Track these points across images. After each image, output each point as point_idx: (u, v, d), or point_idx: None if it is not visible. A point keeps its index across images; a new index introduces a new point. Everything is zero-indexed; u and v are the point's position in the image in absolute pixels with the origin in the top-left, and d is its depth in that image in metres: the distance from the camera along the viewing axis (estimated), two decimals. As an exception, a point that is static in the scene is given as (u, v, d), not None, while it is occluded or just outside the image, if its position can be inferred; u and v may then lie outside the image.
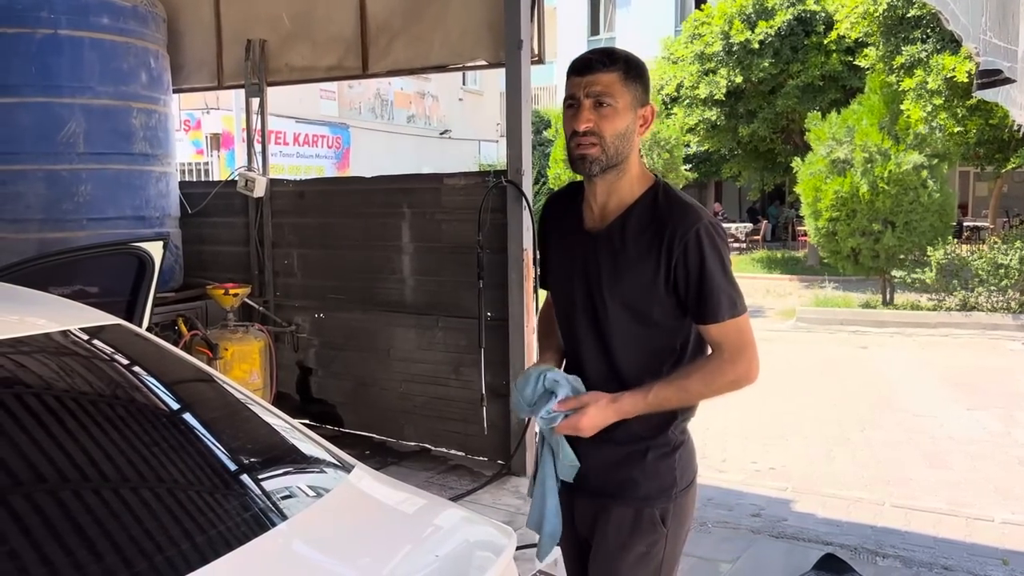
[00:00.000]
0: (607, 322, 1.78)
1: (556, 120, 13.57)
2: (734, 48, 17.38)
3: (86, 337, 1.82)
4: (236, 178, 5.57)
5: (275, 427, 1.74)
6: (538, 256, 2.21)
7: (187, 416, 1.70)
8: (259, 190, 5.44)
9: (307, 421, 5.61)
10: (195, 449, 1.57)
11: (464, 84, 22.84)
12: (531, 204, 4.61)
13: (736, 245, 22.80)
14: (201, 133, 16.60)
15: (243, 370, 4.92)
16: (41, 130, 4.65)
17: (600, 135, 1.72)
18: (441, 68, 5.00)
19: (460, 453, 5.07)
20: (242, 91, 5.64)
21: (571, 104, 1.76)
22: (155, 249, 3.15)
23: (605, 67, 1.72)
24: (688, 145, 19.36)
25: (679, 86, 18.52)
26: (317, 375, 5.64)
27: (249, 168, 5.64)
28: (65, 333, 1.78)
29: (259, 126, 5.64)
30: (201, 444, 1.58)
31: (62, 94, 4.71)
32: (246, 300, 5.30)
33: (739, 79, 17.37)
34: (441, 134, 22.02)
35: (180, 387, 1.82)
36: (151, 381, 1.78)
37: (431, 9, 4.88)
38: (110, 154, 4.88)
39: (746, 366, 1.74)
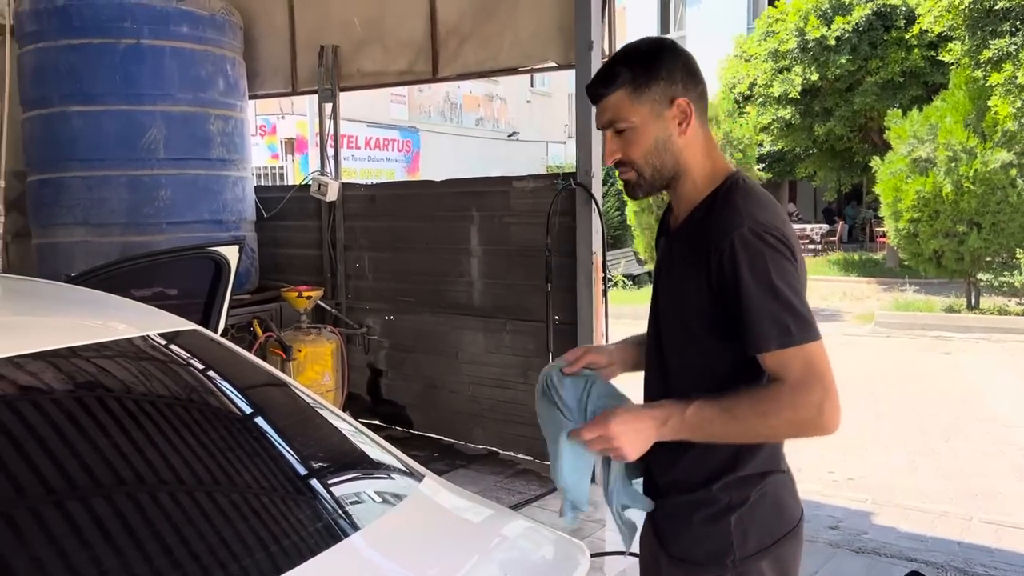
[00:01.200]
0: (664, 335, 1.58)
1: (625, 121, 13.45)
2: (809, 45, 16.93)
3: (164, 342, 1.85)
4: (310, 182, 5.67)
5: (347, 434, 1.74)
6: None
7: (260, 422, 1.71)
8: (332, 194, 5.52)
9: (377, 422, 5.66)
10: (268, 456, 1.57)
11: (532, 86, 22.83)
12: (600, 206, 4.55)
13: (811, 247, 22.22)
14: (276, 138, 16.99)
15: (316, 371, 4.99)
16: (124, 137, 4.80)
17: (630, 161, 1.55)
18: (511, 71, 4.98)
19: (528, 457, 5.05)
20: (315, 96, 5.73)
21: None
22: (231, 253, 3.21)
23: (607, 89, 1.54)
24: (761, 144, 18.94)
25: (752, 84, 18.14)
26: (387, 377, 5.69)
27: (322, 172, 5.73)
28: (144, 338, 1.81)
29: (332, 131, 5.72)
30: (274, 451, 1.58)
31: (143, 102, 4.86)
32: (319, 302, 5.38)
33: (815, 76, 16.91)
34: (509, 136, 22.06)
35: (254, 393, 1.83)
36: (226, 386, 1.80)
37: (501, 11, 4.87)
38: (189, 159, 5.02)
39: (813, 402, 1.39)
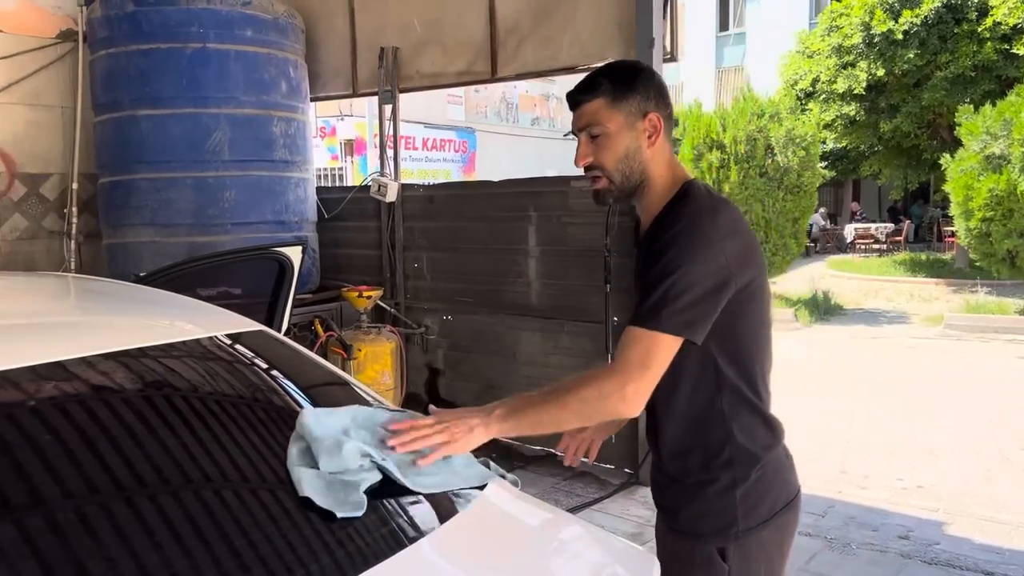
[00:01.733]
0: None
1: (683, 118, 13.25)
2: (875, 39, 16.48)
3: (231, 343, 1.87)
4: (369, 184, 5.71)
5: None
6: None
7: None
8: (391, 195, 5.55)
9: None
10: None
11: (589, 85, 22.70)
12: (662, 206, 4.47)
13: (876, 247, 21.66)
14: (336, 139, 17.24)
15: (375, 370, 5.02)
16: (190, 139, 4.90)
17: (601, 167, 1.68)
18: (570, 70, 4.94)
19: (586, 459, 4.98)
20: (374, 98, 5.77)
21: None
22: (295, 253, 3.25)
23: (588, 96, 1.67)
24: (824, 142, 18.53)
25: (815, 81, 17.76)
26: (445, 376, 5.70)
27: (382, 173, 5.77)
28: (212, 338, 1.83)
29: (391, 132, 5.76)
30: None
31: (209, 104, 4.95)
32: (378, 302, 5.42)
33: (881, 72, 16.47)
34: (565, 136, 21.87)
35: (319, 393, 1.84)
36: (291, 387, 1.81)
37: (560, 10, 4.84)
38: (252, 161, 5.10)
39: (619, 383, 1.51)
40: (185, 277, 3.26)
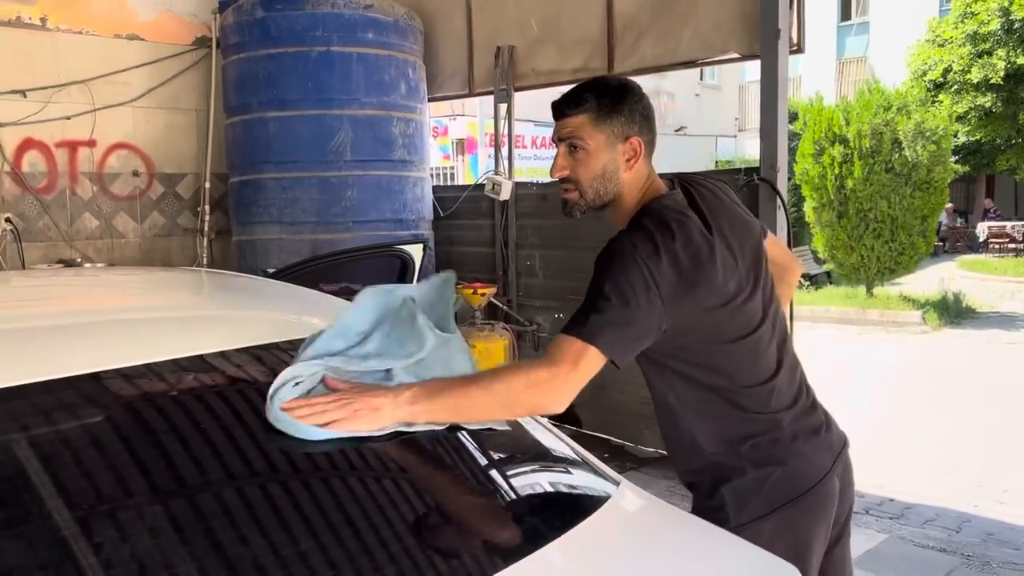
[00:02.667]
0: None
1: (803, 112, 12.77)
2: (1016, 26, 15.45)
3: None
4: (484, 182, 5.76)
5: (536, 436, 1.71)
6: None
7: (449, 430, 1.71)
8: (505, 193, 5.58)
9: (546, 420, 5.67)
10: (458, 458, 1.56)
11: (701, 79, 22.25)
12: (786, 203, 4.31)
13: (1012, 246, 20.32)
14: (448, 139, 17.50)
15: (488, 367, 5.06)
16: (315, 140, 5.07)
17: (576, 180, 1.71)
18: (690, 64, 4.83)
19: (702, 463, 4.88)
20: (485, 97, 5.81)
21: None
22: (416, 251, 3.31)
23: (573, 110, 1.69)
24: (956, 135, 17.52)
25: (946, 71, 16.81)
26: (557, 375, 5.68)
27: (496, 172, 5.81)
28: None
29: (506, 131, 5.78)
30: (464, 452, 1.57)
31: (332, 106, 5.10)
32: (491, 299, 5.46)
33: (1021, 60, 15.41)
34: (676, 131, 21.61)
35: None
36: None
37: (681, 2, 4.72)
38: (373, 161, 5.23)
39: (549, 375, 1.48)
40: (311, 273, 3.37)
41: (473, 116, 16.51)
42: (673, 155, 20.12)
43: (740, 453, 1.69)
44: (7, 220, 5.17)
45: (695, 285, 1.58)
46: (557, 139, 1.74)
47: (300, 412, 1.35)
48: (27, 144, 5.31)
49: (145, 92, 5.73)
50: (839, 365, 8.32)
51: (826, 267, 13.86)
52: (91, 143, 5.55)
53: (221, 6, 5.66)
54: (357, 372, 1.47)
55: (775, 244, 1.96)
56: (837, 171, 11.65)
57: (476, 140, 16.97)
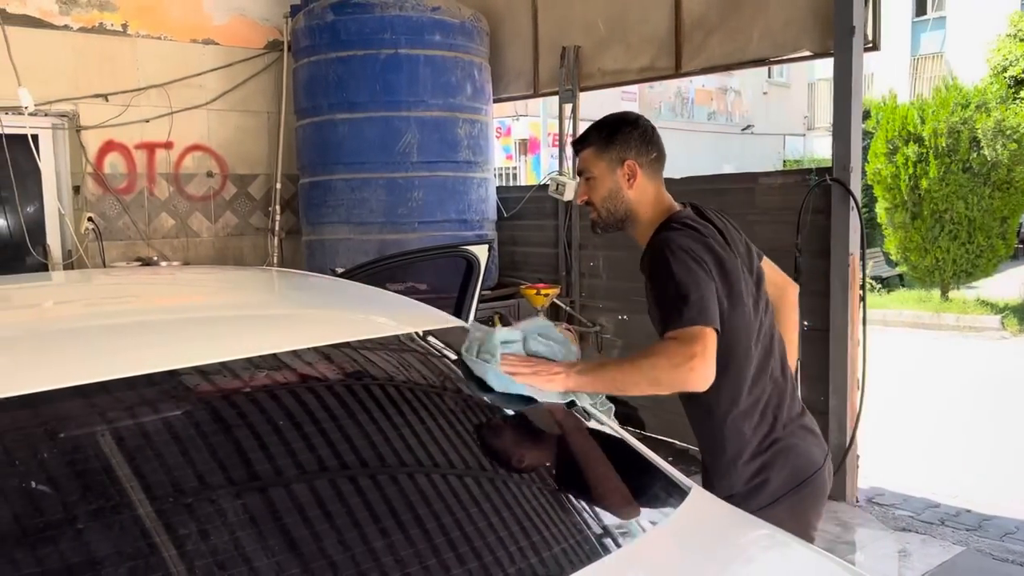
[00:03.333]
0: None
1: (876, 110, 12.39)
2: (1103, 17, 14.74)
3: (432, 339, 1.91)
4: (547, 182, 5.76)
5: (607, 440, 1.71)
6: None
7: (522, 426, 1.72)
8: (569, 194, 5.55)
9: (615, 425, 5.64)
10: (536, 461, 1.56)
11: (770, 77, 21.82)
12: (859, 204, 4.21)
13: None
14: (511, 139, 17.55)
15: (552, 368, 5.05)
16: (383, 142, 5.14)
17: (592, 203, 2.08)
18: (759, 62, 4.75)
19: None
20: (548, 98, 5.80)
21: None
22: (481, 252, 3.32)
23: (581, 147, 2.08)
24: (1038, 133, 16.80)
25: (1029, 65, 16.12)
26: (620, 377, 5.64)
27: (560, 172, 5.80)
28: (414, 335, 1.89)
29: (571, 131, 5.77)
30: (539, 456, 1.57)
31: (399, 108, 5.17)
32: (554, 300, 5.46)
33: (1109, 53, 14.71)
34: (743, 130, 21.24)
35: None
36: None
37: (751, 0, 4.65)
38: (438, 162, 5.28)
39: (686, 353, 1.74)
40: (379, 273, 3.42)
41: (536, 116, 16.52)
42: (739, 154, 19.82)
43: (748, 450, 1.92)
44: (89, 219, 5.38)
45: (725, 270, 1.88)
46: (578, 172, 2.11)
47: (507, 366, 1.74)
48: (108, 146, 5.52)
49: (219, 95, 5.89)
50: (914, 370, 8.07)
51: (898, 269, 13.43)
52: (168, 145, 5.73)
53: (293, 10, 5.78)
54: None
55: (771, 266, 2.23)
56: (911, 171, 11.28)
57: (539, 140, 16.97)
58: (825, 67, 4.40)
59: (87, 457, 1.25)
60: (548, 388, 1.75)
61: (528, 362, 1.79)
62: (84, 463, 1.23)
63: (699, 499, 1.49)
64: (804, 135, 22.44)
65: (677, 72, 5.13)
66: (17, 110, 4.98)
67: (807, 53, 4.47)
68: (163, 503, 1.19)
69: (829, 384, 4.32)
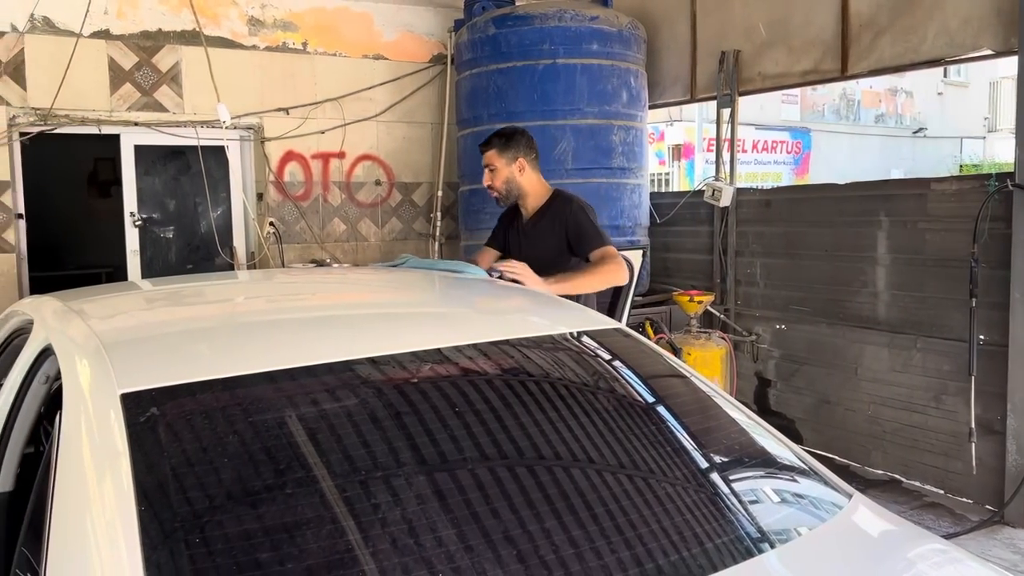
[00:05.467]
0: (533, 263, 2.96)
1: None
2: None
3: (587, 339, 1.98)
4: (703, 188, 5.70)
5: (769, 446, 1.71)
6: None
7: (681, 430, 1.75)
8: (725, 199, 5.49)
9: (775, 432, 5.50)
10: (681, 462, 1.59)
11: (945, 76, 20.41)
12: (1046, 212, 3.92)
13: None
14: (664, 145, 17.37)
15: (705, 375, 5.00)
16: (540, 150, 5.24)
17: (494, 186, 3.30)
18: (934, 63, 4.51)
19: (937, 490, 4.53)
20: (703, 103, 5.74)
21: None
22: (636, 258, 3.37)
23: (486, 148, 3.32)
24: None
25: None
26: (776, 387, 5.51)
27: (716, 178, 5.73)
28: (568, 335, 1.96)
29: (728, 136, 5.69)
30: (687, 457, 1.60)
31: (556, 116, 5.29)
32: (708, 307, 5.40)
33: None
34: (914, 133, 19.98)
35: (679, 403, 1.86)
36: (646, 389, 1.87)
37: (925, -2, 4.43)
38: (592, 169, 5.35)
39: (617, 264, 3.08)
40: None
41: (691, 121, 16.27)
42: (909, 158, 18.66)
43: None
44: (271, 224, 5.84)
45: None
46: (484, 165, 3.30)
47: (502, 265, 2.91)
48: (288, 156, 5.97)
49: (387, 107, 6.24)
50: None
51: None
52: (341, 155, 6.13)
53: (456, 24, 6.03)
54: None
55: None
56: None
57: (693, 145, 16.70)
58: (1008, 64, 4.14)
59: (284, 434, 1.40)
60: (533, 287, 2.75)
61: (523, 265, 2.86)
62: (281, 440, 1.39)
63: (860, 506, 1.48)
64: (984, 137, 20.84)
65: (843, 75, 4.95)
66: (212, 123, 5.49)
67: (988, 52, 4.21)
68: (348, 480, 1.32)
69: (1007, 403, 4.05)
